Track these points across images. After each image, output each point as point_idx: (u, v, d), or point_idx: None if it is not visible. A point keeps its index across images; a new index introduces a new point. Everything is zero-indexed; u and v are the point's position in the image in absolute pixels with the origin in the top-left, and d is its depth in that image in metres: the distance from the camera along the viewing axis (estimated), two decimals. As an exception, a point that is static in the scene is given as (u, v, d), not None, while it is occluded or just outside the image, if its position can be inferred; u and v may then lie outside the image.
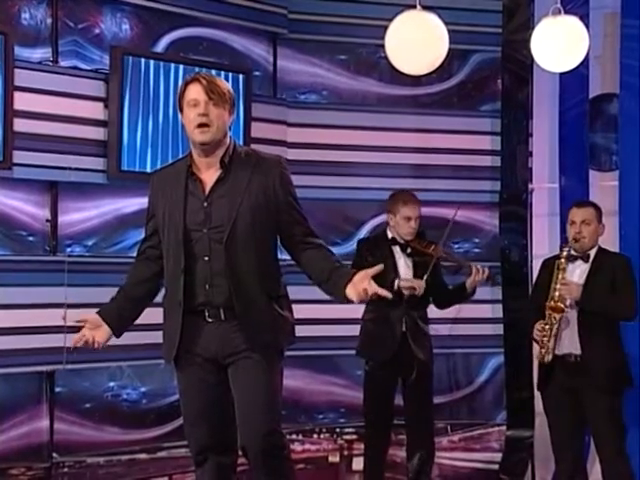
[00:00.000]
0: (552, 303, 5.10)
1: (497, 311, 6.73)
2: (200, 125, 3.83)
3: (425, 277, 5.52)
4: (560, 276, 5.14)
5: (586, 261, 5.22)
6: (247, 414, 3.85)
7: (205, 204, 3.88)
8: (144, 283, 4.07)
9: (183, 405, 4.03)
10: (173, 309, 3.92)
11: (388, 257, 5.56)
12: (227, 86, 3.94)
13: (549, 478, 6.34)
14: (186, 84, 3.91)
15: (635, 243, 6.00)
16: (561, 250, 5.23)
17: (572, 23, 5.35)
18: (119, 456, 5.94)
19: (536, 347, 5.56)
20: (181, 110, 3.93)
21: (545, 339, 5.12)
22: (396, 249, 5.64)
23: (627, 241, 6.05)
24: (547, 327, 5.11)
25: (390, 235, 5.68)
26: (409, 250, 5.61)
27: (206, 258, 3.86)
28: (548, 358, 5.14)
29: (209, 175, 3.92)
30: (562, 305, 5.07)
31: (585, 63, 5.84)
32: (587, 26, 5.63)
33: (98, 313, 4.03)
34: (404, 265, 5.62)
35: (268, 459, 3.87)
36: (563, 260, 5.16)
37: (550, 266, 5.28)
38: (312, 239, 3.99)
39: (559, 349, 5.14)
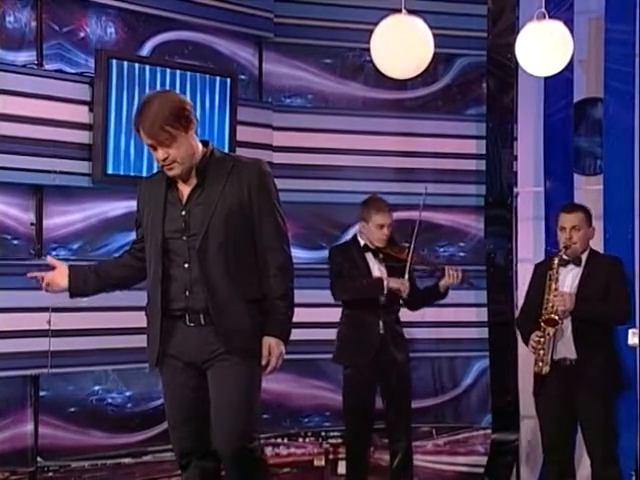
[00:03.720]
0: (546, 316, 5.09)
1: (482, 314, 6.74)
2: (164, 166, 3.88)
3: (406, 280, 5.55)
4: (552, 286, 5.14)
5: (578, 265, 5.22)
6: (221, 415, 3.87)
7: (183, 212, 3.91)
8: (120, 267, 4.17)
9: (166, 409, 4.05)
10: (154, 316, 3.96)
11: (361, 264, 5.62)
12: (168, 114, 3.80)
13: (534, 481, 6.38)
14: (135, 126, 3.87)
15: (619, 247, 6.01)
16: (552, 259, 5.23)
17: (556, 27, 5.37)
18: (104, 460, 5.93)
19: (524, 354, 5.59)
20: None
21: (542, 352, 5.12)
22: (369, 256, 5.65)
23: (611, 245, 6.07)
24: (542, 340, 5.10)
25: (362, 242, 5.68)
26: (381, 256, 5.61)
27: (186, 265, 3.89)
28: (546, 370, 5.13)
29: (187, 184, 3.95)
30: (556, 317, 5.06)
31: (569, 67, 5.87)
32: (571, 30, 5.66)
33: (68, 266, 4.09)
34: (378, 272, 5.62)
35: (240, 461, 3.88)
36: (554, 270, 5.16)
37: (542, 272, 5.27)
38: (272, 259, 3.98)
39: (554, 354, 5.14)
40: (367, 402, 5.63)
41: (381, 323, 5.56)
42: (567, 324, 5.13)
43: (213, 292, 3.86)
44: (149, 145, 3.86)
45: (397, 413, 5.67)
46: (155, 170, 5.80)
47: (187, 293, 3.89)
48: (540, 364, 5.14)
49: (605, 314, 5.12)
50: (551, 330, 5.08)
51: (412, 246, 5.61)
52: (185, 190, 3.94)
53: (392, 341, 5.59)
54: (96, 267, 4.15)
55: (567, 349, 5.13)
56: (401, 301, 5.68)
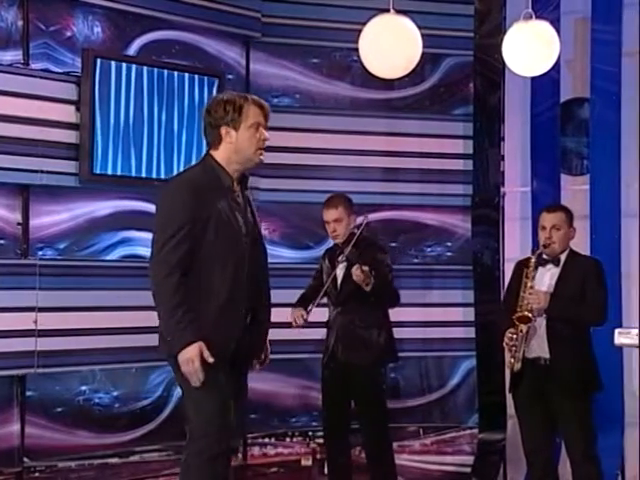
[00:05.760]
0: (519, 313, 5.11)
1: (469, 314, 6.75)
2: (261, 148, 4.12)
3: (325, 287, 5.51)
4: (529, 284, 5.15)
5: (557, 265, 5.24)
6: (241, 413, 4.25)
7: (245, 216, 4.10)
8: None
9: (210, 399, 3.99)
10: (236, 316, 4.00)
11: (330, 264, 5.65)
12: None
13: (520, 480, 6.39)
14: (248, 104, 4.11)
15: (605, 247, 6.03)
16: (529, 257, 5.24)
17: (543, 28, 5.38)
18: (91, 460, 5.92)
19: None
20: (235, 127, 4.06)
21: (514, 348, 5.14)
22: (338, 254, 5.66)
23: (597, 245, 6.08)
24: (515, 337, 5.12)
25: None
26: (340, 257, 5.56)
27: (249, 265, 4.04)
28: (517, 367, 5.14)
29: (235, 187, 4.13)
30: (529, 314, 5.08)
31: (556, 67, 5.87)
32: (558, 31, 5.65)
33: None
34: (341, 269, 5.60)
35: None
36: (531, 268, 5.18)
37: (520, 270, 5.29)
38: (266, 263, 4.27)
39: (529, 353, 5.16)
40: (338, 403, 5.63)
41: (335, 327, 5.57)
42: (542, 323, 5.14)
43: (265, 290, 4.14)
44: (257, 122, 4.10)
45: (362, 418, 5.67)
46: (144, 171, 5.86)
47: (249, 292, 4.04)
48: (512, 361, 5.16)
49: (579, 314, 5.14)
50: (524, 327, 5.10)
51: (351, 244, 5.49)
52: (238, 194, 4.12)
53: (345, 344, 5.54)
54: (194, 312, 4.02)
55: (541, 348, 5.15)
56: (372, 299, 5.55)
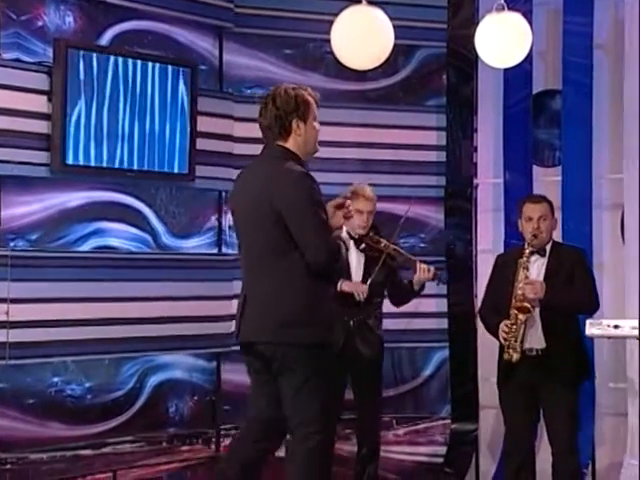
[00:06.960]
0: (518, 303, 5.11)
1: (442, 305, 6.77)
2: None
3: (371, 278, 5.51)
4: (523, 275, 5.16)
5: (543, 255, 5.26)
6: None
7: None
8: None
9: (331, 393, 4.40)
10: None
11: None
12: None
13: (493, 471, 6.42)
14: (310, 98, 4.32)
15: (577, 238, 6.06)
16: (522, 249, 5.24)
17: (515, 19, 5.40)
18: (63, 452, 5.90)
19: (484, 344, 5.62)
20: (305, 120, 4.27)
21: (513, 340, 5.13)
22: (350, 244, 5.64)
23: (569, 236, 6.11)
24: (514, 327, 5.11)
25: (345, 229, 5.69)
26: (362, 245, 5.61)
27: None
28: (516, 357, 5.13)
29: None
30: (528, 305, 5.09)
31: (528, 59, 5.90)
32: (530, 22, 5.69)
33: None
34: (355, 260, 5.62)
35: None
36: (525, 258, 5.18)
37: (506, 263, 5.30)
38: None
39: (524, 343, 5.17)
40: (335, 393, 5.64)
41: (351, 316, 5.57)
42: (535, 314, 5.16)
43: None
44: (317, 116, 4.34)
45: (365, 407, 5.67)
46: (116, 162, 5.84)
47: None
48: (510, 351, 5.13)
49: (574, 304, 5.16)
50: (523, 317, 5.11)
51: (392, 238, 5.57)
52: None
53: (360, 335, 5.57)
54: None
55: (535, 339, 5.16)
56: (385, 293, 5.68)
